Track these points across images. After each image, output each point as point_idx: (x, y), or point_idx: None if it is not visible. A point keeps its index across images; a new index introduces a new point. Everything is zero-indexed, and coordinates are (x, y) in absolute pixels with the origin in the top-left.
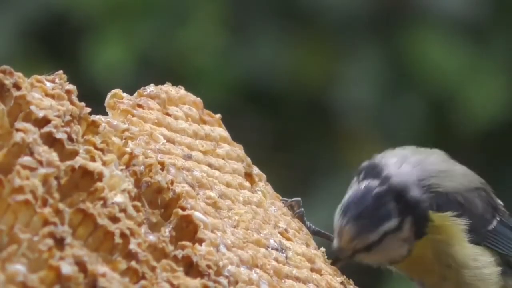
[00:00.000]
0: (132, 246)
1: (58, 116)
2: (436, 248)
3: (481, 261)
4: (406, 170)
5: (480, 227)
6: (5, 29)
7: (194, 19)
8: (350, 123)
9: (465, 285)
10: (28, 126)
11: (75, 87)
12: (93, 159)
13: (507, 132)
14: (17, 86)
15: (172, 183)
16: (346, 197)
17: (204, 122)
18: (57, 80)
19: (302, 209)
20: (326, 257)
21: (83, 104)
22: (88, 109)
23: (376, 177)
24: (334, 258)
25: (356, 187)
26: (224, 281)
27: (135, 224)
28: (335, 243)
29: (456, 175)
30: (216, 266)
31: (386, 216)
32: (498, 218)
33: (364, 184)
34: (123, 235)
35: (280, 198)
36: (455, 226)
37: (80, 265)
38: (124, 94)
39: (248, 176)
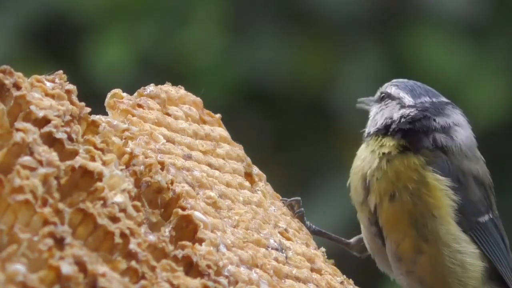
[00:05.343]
0: (132, 246)
1: (58, 116)
2: (421, 203)
3: (464, 247)
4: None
5: (470, 214)
6: (5, 29)
7: (194, 19)
8: (350, 123)
9: (442, 266)
10: (28, 126)
11: (75, 87)
12: (93, 159)
13: (507, 132)
14: (17, 86)
15: (172, 183)
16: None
17: (204, 122)
18: (57, 80)
19: (302, 208)
20: (326, 257)
21: (83, 104)
22: (88, 109)
23: None
24: None
25: None
26: (224, 281)
27: (135, 224)
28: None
29: (478, 159)
30: (216, 266)
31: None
32: (491, 216)
33: None
34: (123, 235)
35: (280, 198)
36: (446, 196)
37: (80, 265)
38: (124, 94)
39: (248, 176)
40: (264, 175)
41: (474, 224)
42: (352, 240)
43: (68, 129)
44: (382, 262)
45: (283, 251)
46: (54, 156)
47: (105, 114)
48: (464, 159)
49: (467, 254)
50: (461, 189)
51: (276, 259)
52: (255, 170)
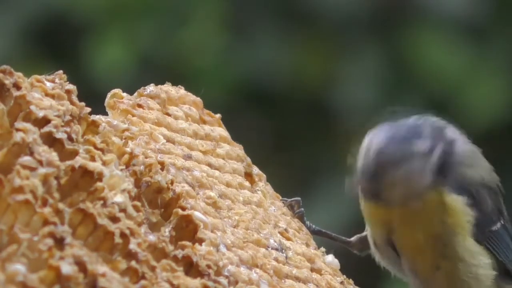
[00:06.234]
0: (132, 246)
1: (58, 116)
2: (441, 225)
3: (478, 260)
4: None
5: (485, 226)
6: (5, 29)
7: (194, 19)
8: (350, 123)
9: (457, 280)
10: (28, 126)
11: (75, 87)
12: (93, 159)
13: (507, 132)
14: (17, 86)
15: (172, 183)
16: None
17: (204, 122)
18: (57, 80)
19: (302, 209)
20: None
21: (83, 104)
22: (88, 109)
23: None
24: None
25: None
26: (224, 281)
27: (135, 224)
28: (363, 163)
29: (482, 164)
30: (216, 266)
31: (420, 136)
32: (502, 222)
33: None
34: (123, 235)
35: (280, 198)
36: (465, 214)
37: (80, 265)
38: (124, 94)
39: (248, 176)
40: (264, 175)
41: (488, 234)
42: (353, 238)
43: (68, 129)
44: (398, 272)
45: (283, 251)
46: (54, 156)
47: (105, 114)
48: (466, 169)
49: (481, 266)
50: (475, 204)
51: (276, 259)
52: (255, 170)
